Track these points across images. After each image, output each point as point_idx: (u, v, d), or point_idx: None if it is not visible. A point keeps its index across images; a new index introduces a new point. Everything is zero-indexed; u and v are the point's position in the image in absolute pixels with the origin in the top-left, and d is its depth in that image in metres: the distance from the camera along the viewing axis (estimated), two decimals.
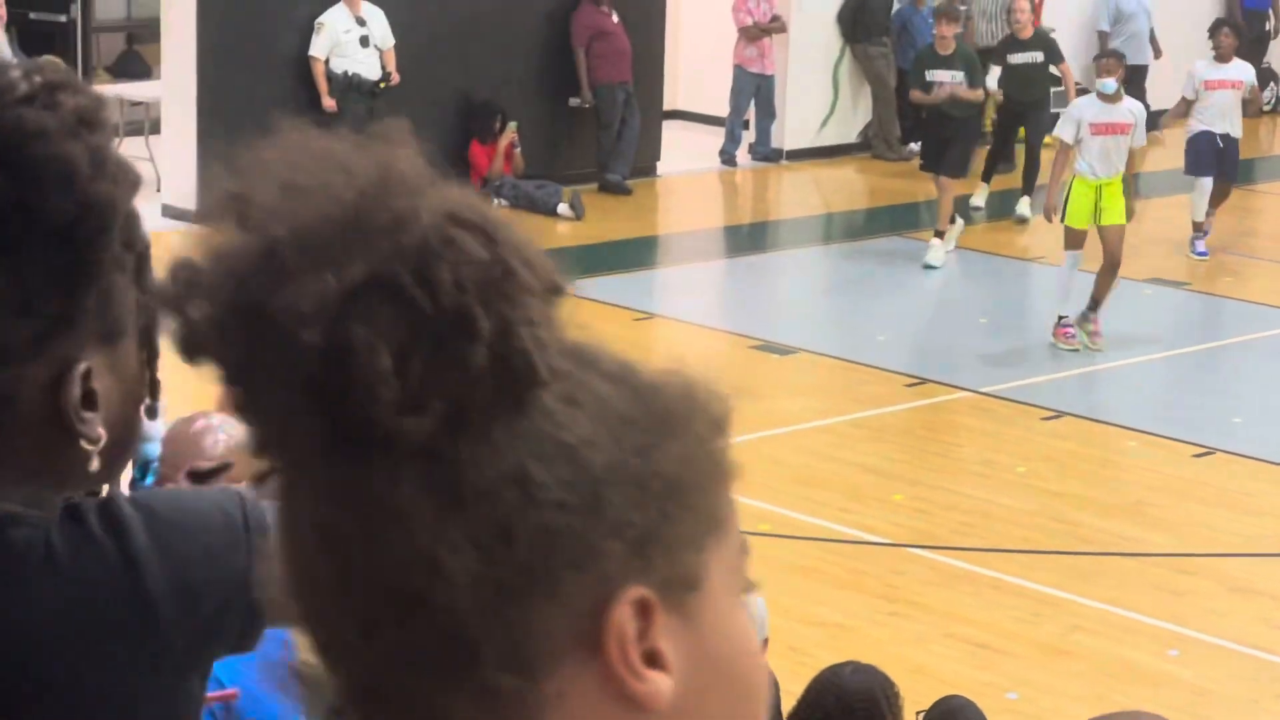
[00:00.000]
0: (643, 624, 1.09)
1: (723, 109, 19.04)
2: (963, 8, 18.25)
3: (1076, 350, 12.58)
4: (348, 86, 15.84)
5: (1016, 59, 16.62)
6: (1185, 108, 15.70)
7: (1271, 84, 23.11)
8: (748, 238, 16.97)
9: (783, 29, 18.70)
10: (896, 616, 8.91)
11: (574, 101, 17.43)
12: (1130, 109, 12.74)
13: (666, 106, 18.99)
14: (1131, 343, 12.69)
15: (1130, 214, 12.72)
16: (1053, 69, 16.76)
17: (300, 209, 1.07)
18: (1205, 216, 15.65)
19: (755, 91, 18.79)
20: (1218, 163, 15.54)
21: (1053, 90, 17.00)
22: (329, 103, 15.82)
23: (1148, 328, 13.43)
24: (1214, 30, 16.16)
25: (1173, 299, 14.26)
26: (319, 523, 1.09)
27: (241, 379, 1.08)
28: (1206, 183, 15.57)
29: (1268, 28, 22.26)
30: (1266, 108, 23.10)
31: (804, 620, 8.74)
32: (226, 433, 3.94)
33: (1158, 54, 19.69)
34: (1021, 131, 16.93)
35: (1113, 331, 12.76)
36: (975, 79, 15.43)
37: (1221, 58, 15.68)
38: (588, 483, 1.09)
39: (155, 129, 16.37)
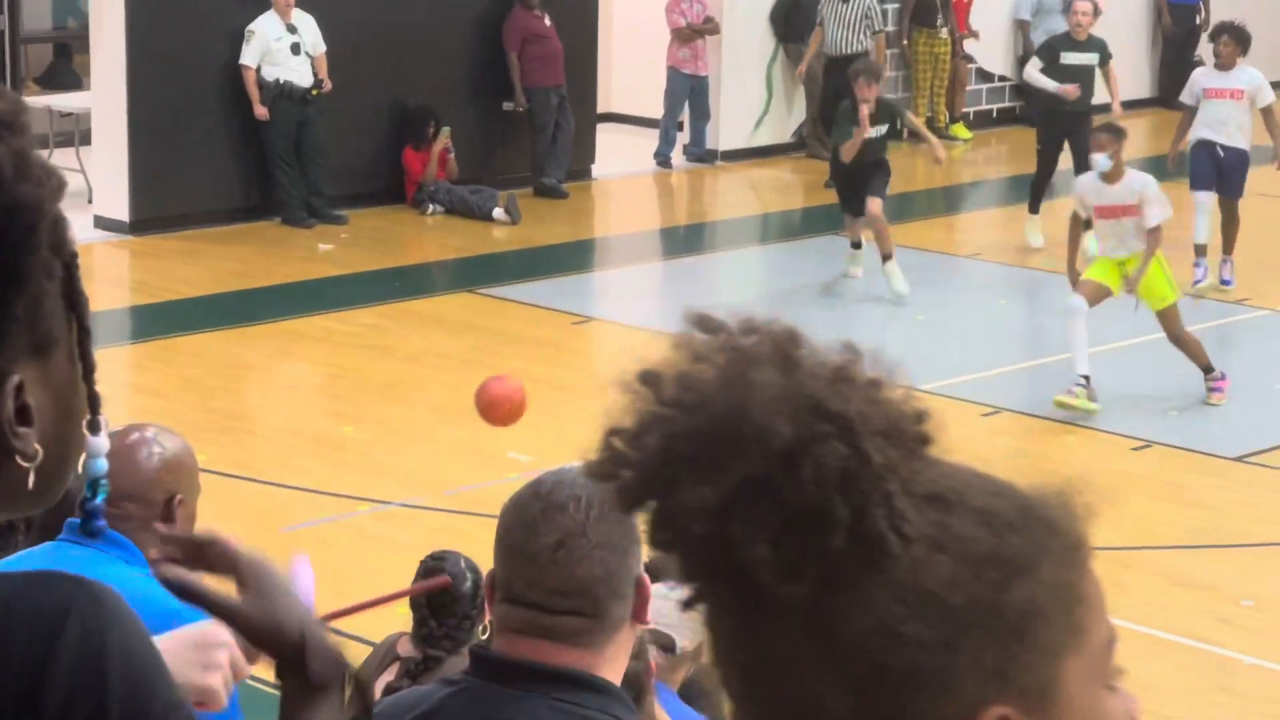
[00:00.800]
0: None
1: (657, 111, 19.04)
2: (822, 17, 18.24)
3: (1073, 409, 11.50)
4: (280, 94, 15.75)
5: (1071, 59, 15.32)
6: (1189, 117, 14.59)
7: None
8: (684, 239, 16.97)
9: (716, 30, 18.71)
10: None
11: (507, 106, 17.39)
12: (1132, 186, 11.49)
13: (601, 109, 18.97)
14: (1065, 338, 12.70)
15: (1167, 294, 11.62)
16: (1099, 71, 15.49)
17: (690, 413, 1.28)
18: (1206, 240, 14.43)
19: (689, 93, 18.79)
20: (1216, 176, 14.34)
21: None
22: (261, 111, 15.73)
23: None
24: (1214, 36, 14.90)
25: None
26: (731, 647, 1.31)
27: (659, 539, 1.30)
28: (1204, 198, 14.44)
29: (1197, 21, 22.37)
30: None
31: None
32: (161, 445, 3.89)
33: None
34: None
35: (1047, 327, 12.80)
36: (896, 130, 14.51)
37: (1223, 65, 14.50)
38: (948, 621, 1.26)
39: (86, 140, 16.26)
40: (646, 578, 2.77)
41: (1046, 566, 1.29)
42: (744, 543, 1.25)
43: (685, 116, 19.10)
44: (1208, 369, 11.79)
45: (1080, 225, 11.92)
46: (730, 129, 18.94)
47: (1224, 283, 14.52)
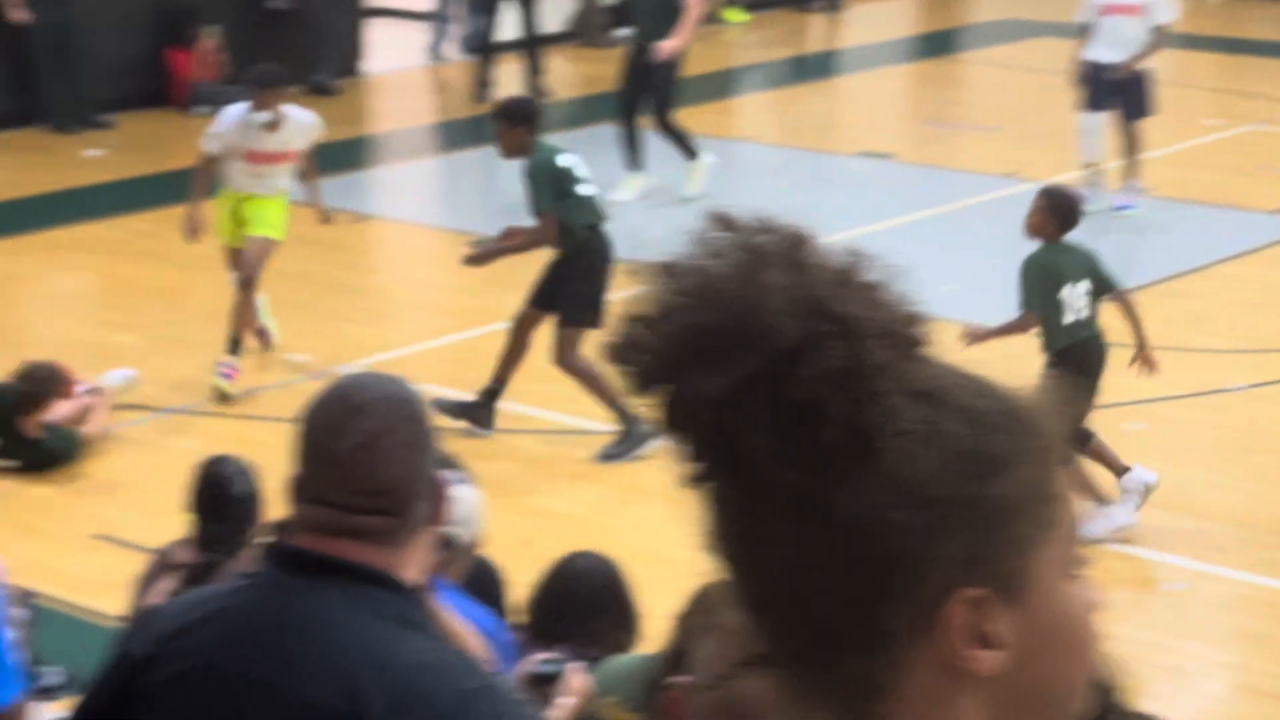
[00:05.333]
0: (975, 615, 1.37)
1: (428, 4, 18.82)
2: None
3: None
4: None
5: None
6: (1083, 34, 13.44)
7: None
8: (462, 132, 16.80)
9: None
10: (628, 504, 8.94)
11: (275, 3, 17.09)
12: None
13: (370, 3, 18.71)
14: (844, 217, 12.82)
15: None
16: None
17: (705, 308, 1.37)
18: (1099, 161, 13.45)
19: None
20: (1108, 96, 13.28)
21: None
22: (20, 15, 15.30)
23: (860, 199, 13.60)
24: None
25: (882, 170, 14.43)
26: (731, 523, 1.41)
27: (671, 421, 1.39)
28: (1091, 119, 13.41)
29: None
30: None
31: (536, 514, 8.74)
32: None
33: None
34: None
35: (822, 203, 12.87)
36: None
37: None
38: (929, 510, 1.36)
39: None
40: (442, 478, 2.79)
41: (1024, 465, 1.39)
42: (745, 432, 1.35)
43: (459, 8, 18.91)
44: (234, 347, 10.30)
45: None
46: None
47: (1121, 208, 13.37)
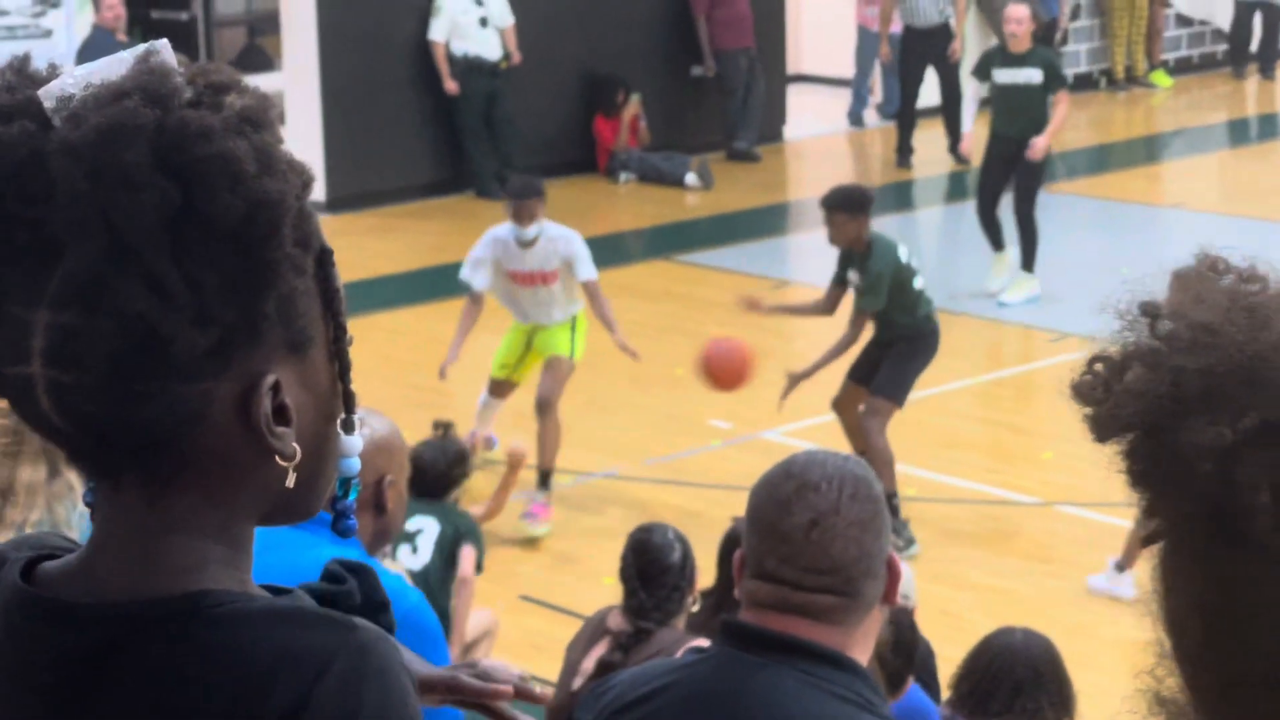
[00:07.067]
0: None
1: (847, 70, 18.85)
2: None
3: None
4: (469, 68, 15.80)
5: (1004, 77, 12.79)
6: None
7: None
8: (880, 198, 16.71)
9: None
10: (1050, 576, 8.75)
11: (697, 70, 17.31)
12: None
13: (790, 70, 18.83)
14: None
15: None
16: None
17: (1200, 352, 1.28)
18: None
19: (879, 51, 18.60)
20: None
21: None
22: (451, 86, 15.79)
23: None
24: None
25: None
26: (1193, 589, 1.31)
27: (1135, 471, 1.30)
28: None
29: None
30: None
31: (956, 583, 8.60)
32: (370, 427, 3.85)
33: None
34: None
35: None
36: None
37: None
38: None
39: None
40: (896, 557, 2.77)
41: None
42: (1246, 487, 1.25)
43: (876, 75, 18.90)
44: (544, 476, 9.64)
45: None
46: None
47: None
